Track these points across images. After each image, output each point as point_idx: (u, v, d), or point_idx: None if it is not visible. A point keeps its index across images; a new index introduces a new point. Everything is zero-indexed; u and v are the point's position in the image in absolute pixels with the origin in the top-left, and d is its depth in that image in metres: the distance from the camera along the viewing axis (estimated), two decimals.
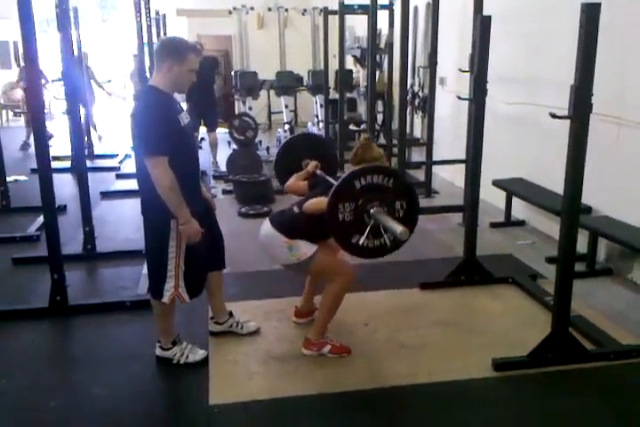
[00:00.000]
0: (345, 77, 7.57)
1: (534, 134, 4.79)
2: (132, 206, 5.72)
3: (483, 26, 3.20)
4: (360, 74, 8.89)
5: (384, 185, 2.47)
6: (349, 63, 9.64)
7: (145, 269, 3.83)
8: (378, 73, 8.11)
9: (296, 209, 2.82)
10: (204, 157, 7.66)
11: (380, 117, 8.02)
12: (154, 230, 2.61)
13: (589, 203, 4.08)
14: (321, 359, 2.79)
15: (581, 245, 4.13)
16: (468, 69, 4.68)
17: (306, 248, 2.73)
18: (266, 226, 2.83)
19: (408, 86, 7.27)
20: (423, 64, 6.88)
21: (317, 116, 8.27)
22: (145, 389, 2.66)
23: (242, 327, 3.06)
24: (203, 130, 7.25)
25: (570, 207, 2.60)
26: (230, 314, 3.07)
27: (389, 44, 6.55)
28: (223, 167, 7.14)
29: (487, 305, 3.40)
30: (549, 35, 4.44)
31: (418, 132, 7.46)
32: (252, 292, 3.61)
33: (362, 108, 8.71)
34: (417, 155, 7.16)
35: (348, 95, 8.40)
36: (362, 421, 2.39)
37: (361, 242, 2.47)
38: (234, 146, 8.46)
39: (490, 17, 3.24)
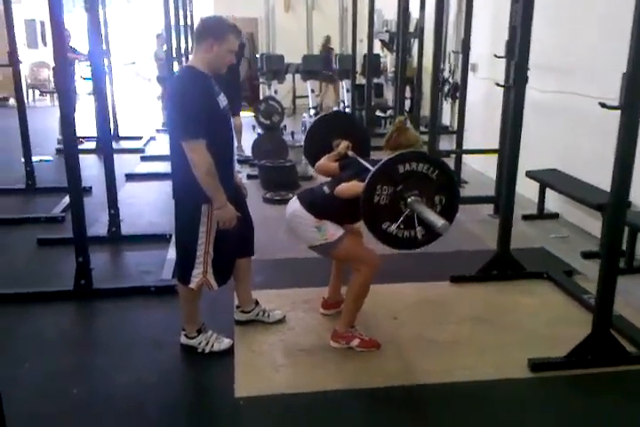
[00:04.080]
0: (373, 62, 7.42)
1: (570, 124, 4.61)
2: (157, 189, 5.71)
3: (525, 9, 3.04)
4: (388, 59, 8.70)
5: (428, 175, 2.36)
6: (377, 48, 9.46)
7: (170, 254, 3.81)
8: (407, 58, 7.94)
9: (326, 189, 2.71)
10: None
11: (407, 103, 7.85)
12: (184, 215, 2.56)
13: (629, 197, 3.92)
14: (349, 353, 2.71)
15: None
16: (503, 55, 4.54)
17: (334, 229, 2.63)
18: (294, 204, 2.73)
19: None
20: (454, 49, 6.69)
21: (344, 102, 8.12)
22: (169, 377, 2.60)
23: (268, 316, 3.00)
24: None
25: (616, 202, 2.47)
26: (256, 303, 3.00)
27: (420, 28, 6.35)
28: (248, 152, 7.07)
29: (520, 301, 3.28)
30: (586, 21, 4.25)
31: (446, 119, 7.29)
32: (278, 280, 3.54)
33: (389, 94, 8.54)
34: (445, 143, 6.99)
35: (375, 80, 8.23)
36: (392, 419, 2.30)
37: (391, 229, 2.37)
38: (258, 130, 8.39)
39: (533, 1, 3.08)
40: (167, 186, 5.74)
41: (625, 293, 3.32)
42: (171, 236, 4.16)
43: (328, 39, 9.23)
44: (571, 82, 4.54)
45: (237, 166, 6.62)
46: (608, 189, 4.08)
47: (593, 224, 4.36)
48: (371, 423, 2.29)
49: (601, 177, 4.23)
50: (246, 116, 7.58)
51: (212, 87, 2.44)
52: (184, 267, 2.61)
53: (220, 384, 2.51)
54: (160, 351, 2.77)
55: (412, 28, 7.92)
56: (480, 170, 6.22)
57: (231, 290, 3.00)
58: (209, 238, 2.51)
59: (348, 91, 7.93)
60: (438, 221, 2.20)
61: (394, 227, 2.37)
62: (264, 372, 2.57)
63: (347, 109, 8.04)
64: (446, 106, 7.16)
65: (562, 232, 4.51)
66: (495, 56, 4.44)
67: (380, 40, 8.65)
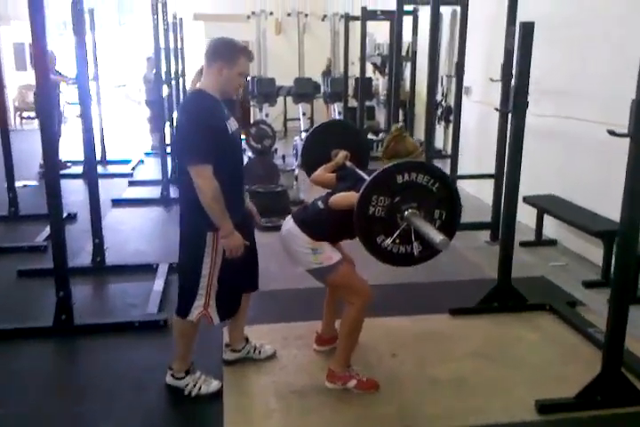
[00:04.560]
0: (365, 85, 7.37)
1: (567, 149, 4.54)
2: (144, 215, 5.56)
3: (525, 32, 2.97)
4: (380, 82, 8.67)
5: (428, 187, 2.21)
6: (369, 71, 9.44)
7: (157, 286, 3.65)
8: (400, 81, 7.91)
9: (320, 204, 2.57)
10: None
11: None
12: (188, 243, 2.45)
13: None
14: (346, 395, 2.55)
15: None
16: (498, 79, 4.48)
17: (330, 253, 2.50)
18: (289, 223, 2.59)
19: None
20: (447, 73, 6.65)
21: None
22: (154, 423, 2.43)
23: (260, 352, 2.85)
24: None
25: (626, 233, 2.33)
26: (247, 340, 2.85)
27: (413, 52, 6.31)
28: None
29: (524, 336, 3.14)
30: (584, 44, 4.20)
31: (439, 142, 7.21)
32: (269, 314, 3.38)
33: (381, 117, 8.49)
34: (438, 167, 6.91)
35: (367, 103, 8.17)
36: None
37: (386, 244, 2.22)
38: (249, 153, 8.29)
39: (533, 23, 3.01)
40: (155, 212, 5.70)
41: (631, 326, 3.20)
42: (158, 265, 4.01)
43: (330, 62, 9.20)
44: (568, 106, 4.47)
45: None
46: (608, 216, 4.06)
47: (593, 251, 4.25)
48: None
49: (600, 203, 4.15)
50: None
51: (221, 111, 2.35)
52: (184, 298, 2.47)
53: None
54: (145, 394, 2.59)
55: (404, 52, 7.94)
56: (475, 194, 6.12)
57: (219, 327, 2.84)
58: (213, 269, 2.39)
59: (339, 113, 7.87)
60: (437, 236, 2.04)
61: (389, 241, 2.21)
62: (255, 418, 2.41)
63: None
64: (439, 129, 7.09)
65: (561, 260, 4.39)
66: (491, 80, 4.37)
67: (372, 63, 8.63)
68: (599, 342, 2.97)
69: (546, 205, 4.45)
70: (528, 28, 2.98)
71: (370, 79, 8.36)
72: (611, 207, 4.05)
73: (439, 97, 6.92)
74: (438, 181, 2.23)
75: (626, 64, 3.80)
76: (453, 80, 5.73)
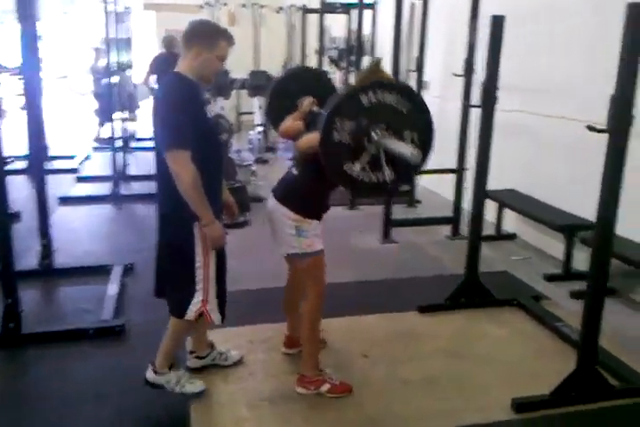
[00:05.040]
0: None
1: (530, 144, 4.55)
2: (94, 214, 5.29)
3: (495, 26, 2.92)
4: (337, 75, 8.57)
5: (397, 108, 2.07)
6: (325, 64, 9.34)
7: (112, 289, 3.44)
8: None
9: (294, 170, 2.46)
10: None
11: None
12: (175, 235, 2.29)
13: (591, 218, 3.85)
14: (319, 400, 2.45)
15: (579, 262, 3.93)
16: (461, 74, 4.45)
17: (313, 239, 2.39)
18: (271, 201, 2.48)
19: None
20: (406, 67, 6.60)
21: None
22: None
23: (226, 358, 2.72)
24: None
25: (602, 232, 2.32)
26: (212, 346, 2.71)
27: (371, 45, 6.24)
28: None
29: (493, 332, 3.11)
30: (548, 39, 4.21)
31: None
32: (233, 316, 3.20)
33: None
34: None
35: None
36: None
37: (355, 170, 2.09)
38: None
39: (503, 17, 2.96)
40: (106, 210, 5.43)
41: None
42: (111, 267, 3.79)
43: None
44: (532, 102, 4.48)
45: None
46: (570, 211, 4.10)
47: (552, 245, 4.29)
48: None
49: (561, 199, 4.18)
50: None
51: (199, 94, 2.23)
52: (179, 296, 2.32)
53: None
54: (103, 407, 2.42)
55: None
56: (433, 189, 6.10)
57: None
58: (207, 260, 2.26)
59: (260, 107, 7.74)
60: (408, 149, 1.95)
61: (357, 167, 2.08)
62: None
63: (258, 128, 7.85)
64: None
65: (521, 254, 4.41)
66: (454, 75, 4.33)
67: (329, 57, 8.52)
68: (567, 336, 2.98)
69: (507, 200, 4.46)
70: (498, 22, 2.93)
71: (327, 73, 8.26)
72: (572, 203, 4.11)
73: None
74: (408, 101, 2.09)
75: (591, 60, 3.84)
76: (412, 75, 5.67)
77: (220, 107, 7.42)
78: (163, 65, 6.53)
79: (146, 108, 9.53)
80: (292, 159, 2.53)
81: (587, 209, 3.94)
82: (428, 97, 5.87)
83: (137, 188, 6.03)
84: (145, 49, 9.89)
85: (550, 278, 3.87)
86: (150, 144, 8.49)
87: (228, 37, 2.22)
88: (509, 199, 4.45)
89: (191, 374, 2.51)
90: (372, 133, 2.05)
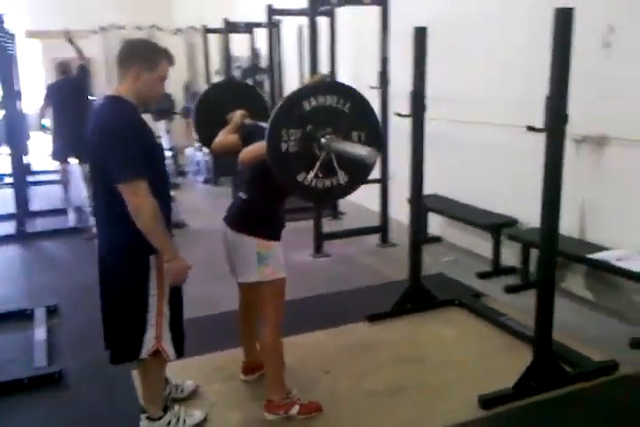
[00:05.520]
0: None
1: (447, 150, 4.72)
2: (3, 255, 4.85)
3: (419, 38, 3.01)
4: None
5: (338, 108, 2.01)
6: None
7: (38, 335, 3.15)
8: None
9: (243, 195, 2.37)
10: (77, 191, 6.85)
11: None
12: (124, 272, 2.11)
13: (514, 215, 4.06)
14: (290, 424, 2.36)
15: (507, 257, 4.11)
16: (376, 86, 4.56)
17: (275, 268, 2.30)
18: (227, 231, 2.36)
19: None
20: None
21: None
22: None
23: (182, 391, 2.58)
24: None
25: (548, 226, 2.41)
26: (166, 380, 2.54)
27: (277, 63, 6.26)
28: None
29: (443, 334, 3.16)
30: (461, 50, 4.40)
31: None
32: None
33: None
34: None
35: None
36: None
37: (309, 180, 2.02)
38: None
39: (425, 28, 3.06)
40: (12, 250, 5.01)
41: (531, 308, 3.36)
42: (32, 311, 3.49)
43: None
44: (445, 109, 4.65)
45: (92, 219, 5.92)
46: (491, 210, 4.28)
47: (477, 244, 4.46)
48: None
49: (484, 200, 4.36)
50: None
51: (142, 118, 2.08)
52: (129, 336, 2.14)
53: None
54: None
55: (262, 64, 7.88)
56: (355, 200, 6.17)
57: (127, 371, 2.56)
58: (162, 295, 2.10)
59: None
60: (362, 150, 1.90)
61: (311, 176, 2.01)
62: None
63: (204, 148, 7.69)
64: None
65: (449, 255, 4.55)
66: (370, 87, 4.42)
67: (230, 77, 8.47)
68: (512, 329, 3.10)
69: (431, 204, 4.58)
70: (421, 33, 3.01)
71: None
72: (493, 202, 4.30)
73: None
74: (348, 100, 2.03)
75: (504, 68, 4.06)
76: None
77: (164, 130, 7.16)
78: (60, 93, 6.18)
79: (36, 139, 9.03)
80: (236, 184, 2.44)
81: (508, 207, 4.17)
82: None
83: (43, 224, 5.64)
84: (31, 80, 9.36)
85: (482, 276, 4.01)
86: (47, 177, 8.07)
87: (168, 57, 2.11)
88: (434, 204, 4.58)
89: (186, 408, 2.38)
90: (321, 139, 2.00)
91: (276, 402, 2.38)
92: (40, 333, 3.18)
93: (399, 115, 3.23)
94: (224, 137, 2.55)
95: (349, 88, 2.07)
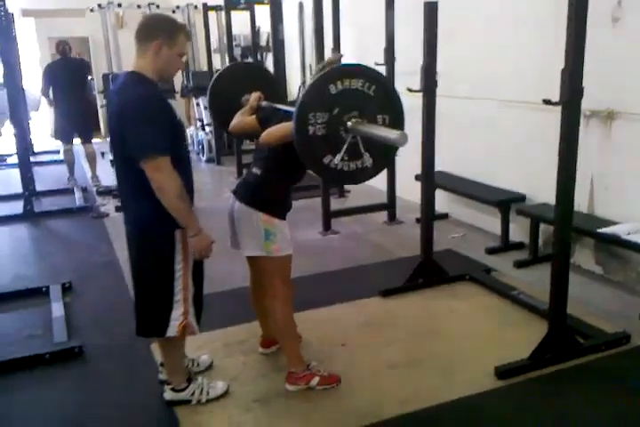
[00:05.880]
0: None
1: (450, 126, 4.71)
2: (10, 235, 4.86)
3: (430, 13, 2.99)
4: None
5: (365, 92, 2.03)
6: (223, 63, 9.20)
7: (57, 311, 3.18)
8: None
9: (256, 170, 2.37)
10: (80, 171, 6.84)
11: None
12: (151, 247, 2.14)
13: (521, 191, 4.08)
14: (311, 394, 2.41)
15: (515, 233, 4.14)
16: (382, 63, 4.54)
17: (281, 244, 2.31)
18: (235, 204, 2.36)
19: (299, 83, 7.05)
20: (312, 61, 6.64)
21: (202, 120, 7.72)
22: None
23: (198, 364, 2.62)
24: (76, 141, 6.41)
25: (563, 201, 2.44)
26: None
27: (280, 42, 6.19)
28: (105, 181, 6.40)
29: (456, 307, 3.20)
30: (463, 25, 4.37)
31: None
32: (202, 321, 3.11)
33: None
34: None
35: None
36: None
37: (336, 162, 2.03)
38: (109, 157, 7.67)
39: (436, 3, 3.03)
40: (21, 230, 5.01)
41: (541, 283, 3.40)
42: (48, 288, 3.51)
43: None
44: (445, 85, 4.64)
45: (98, 199, 5.94)
46: (497, 186, 4.30)
47: (484, 220, 4.50)
48: None
49: (490, 176, 4.38)
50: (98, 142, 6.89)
51: (164, 97, 2.09)
52: (157, 313, 2.17)
53: None
54: None
55: (263, 42, 7.82)
56: None
57: (146, 345, 2.60)
58: (187, 269, 2.14)
59: (205, 108, 7.55)
60: (391, 133, 1.91)
61: (338, 159, 2.03)
62: None
63: (206, 128, 7.66)
64: None
65: (457, 231, 4.58)
66: (375, 64, 4.40)
67: (229, 55, 8.39)
68: (524, 302, 3.14)
69: (439, 181, 4.57)
70: (432, 8, 2.99)
71: None
72: (498, 178, 4.32)
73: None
74: (374, 83, 2.05)
75: (502, 45, 4.04)
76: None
77: None
78: (61, 73, 6.14)
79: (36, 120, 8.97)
80: (254, 159, 2.45)
81: (515, 184, 4.19)
82: None
83: (49, 204, 5.64)
84: (27, 59, 9.24)
85: (491, 251, 4.05)
86: (48, 157, 8.04)
87: (186, 33, 2.11)
88: (441, 181, 4.58)
89: (209, 379, 2.43)
90: (348, 122, 2.01)
91: (296, 374, 2.42)
92: (57, 309, 3.21)
93: (410, 90, 3.23)
94: (241, 119, 2.56)
95: (374, 71, 2.07)
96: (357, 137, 2.02)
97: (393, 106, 2.11)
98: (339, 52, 4.61)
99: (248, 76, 2.86)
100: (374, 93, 2.05)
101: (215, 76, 2.89)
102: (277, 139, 2.18)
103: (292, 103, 2.51)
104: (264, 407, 2.33)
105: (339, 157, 2.01)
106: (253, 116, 2.52)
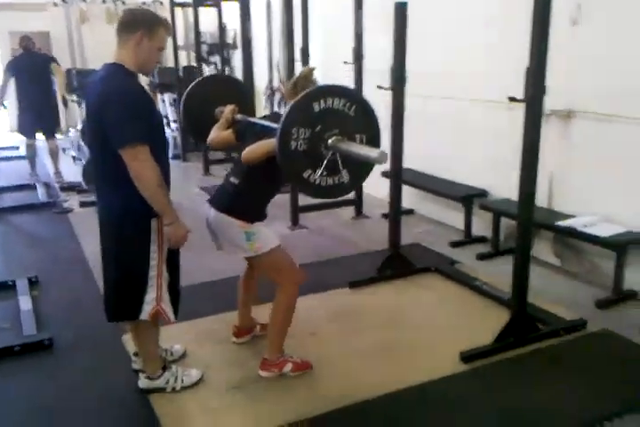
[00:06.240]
0: (193, 74, 7.17)
1: (415, 124, 4.83)
2: None
3: (400, 13, 3.08)
4: (207, 71, 8.44)
5: (345, 111, 2.11)
6: (189, 60, 9.17)
7: (24, 305, 3.15)
8: (228, 69, 7.79)
9: (234, 180, 2.42)
10: (42, 167, 6.73)
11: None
12: (127, 235, 2.16)
13: (484, 187, 4.23)
14: (284, 381, 2.47)
15: (477, 228, 4.29)
16: (350, 62, 4.62)
17: (266, 240, 2.38)
18: (211, 212, 2.41)
19: (267, 82, 7.09)
20: (283, 60, 6.69)
21: (167, 117, 7.67)
22: None
23: (171, 353, 2.66)
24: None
25: (526, 198, 2.57)
26: None
27: (248, 40, 6.22)
28: (69, 177, 6.32)
29: (422, 297, 3.31)
30: (431, 25, 4.48)
31: None
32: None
33: None
34: None
35: None
36: None
37: (315, 177, 2.11)
38: (72, 153, 7.56)
39: (406, 3, 3.13)
40: None
41: (502, 274, 3.53)
42: (14, 282, 3.48)
43: None
44: (411, 84, 4.76)
45: (62, 195, 5.86)
46: (460, 181, 4.44)
47: (448, 216, 4.63)
48: None
49: (453, 173, 4.52)
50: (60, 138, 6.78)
51: (144, 88, 2.13)
52: (130, 296, 2.20)
53: None
54: (62, 425, 2.24)
55: (230, 39, 7.82)
56: None
57: (117, 336, 2.63)
58: (161, 257, 2.18)
59: (171, 104, 7.52)
60: (372, 152, 2.00)
61: (318, 174, 2.11)
62: (199, 422, 2.22)
63: (172, 124, 7.62)
64: None
65: (422, 226, 4.70)
66: (345, 62, 4.49)
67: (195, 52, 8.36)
68: (486, 292, 3.27)
69: (405, 178, 4.68)
70: (402, 9, 3.09)
71: (197, 67, 8.11)
72: (465, 176, 4.45)
73: (276, 83, 6.97)
74: (354, 104, 2.13)
75: (469, 45, 4.17)
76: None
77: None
78: (25, 67, 6.05)
79: None
80: (230, 169, 2.51)
81: (477, 180, 4.33)
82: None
83: (12, 199, 5.54)
84: None
85: (455, 245, 4.18)
86: (6, 153, 7.87)
87: (167, 27, 2.14)
88: (407, 177, 4.68)
89: (183, 367, 2.47)
90: (329, 139, 2.09)
91: (270, 360, 2.48)
92: (25, 302, 3.19)
93: (380, 87, 3.32)
94: (219, 133, 2.63)
95: (356, 93, 2.16)
96: (337, 154, 2.11)
97: (371, 126, 2.20)
98: (308, 55, 4.68)
99: (218, 87, 2.91)
100: (354, 113, 2.14)
101: (185, 94, 2.89)
102: (259, 156, 2.25)
103: (264, 117, 2.61)
104: (239, 393, 2.38)
105: (318, 172, 2.10)
106: (230, 131, 2.59)
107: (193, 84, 2.91)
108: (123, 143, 1.98)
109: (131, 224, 2.14)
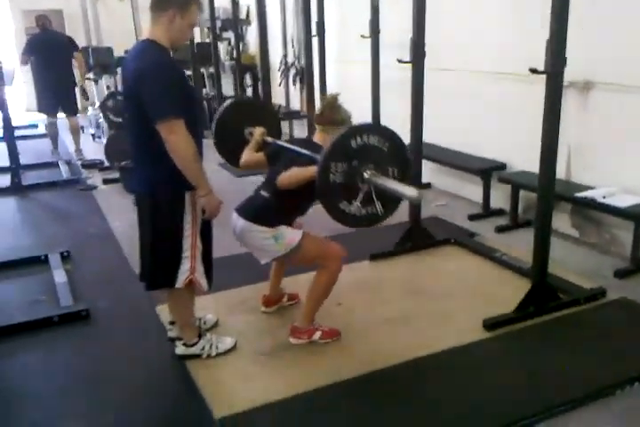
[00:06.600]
0: (207, 51, 7.22)
1: (434, 98, 4.84)
2: (2, 207, 4.87)
3: None
4: (220, 47, 8.43)
5: (380, 147, 2.25)
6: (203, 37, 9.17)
7: (59, 277, 3.27)
8: (241, 45, 7.77)
9: (265, 194, 2.54)
10: (62, 145, 6.83)
11: (249, 91, 7.74)
12: (162, 207, 2.25)
13: (503, 160, 4.26)
14: (314, 348, 2.57)
15: (495, 200, 4.34)
16: (367, 35, 4.62)
17: (291, 235, 2.47)
18: (239, 222, 2.51)
19: (281, 57, 7.08)
20: (297, 35, 6.67)
21: None
22: (133, 418, 2.22)
23: (205, 322, 2.77)
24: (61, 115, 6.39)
25: (546, 168, 2.61)
26: None
27: (263, 13, 6.20)
28: (89, 155, 6.42)
29: (443, 268, 3.39)
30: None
31: (295, 103, 7.29)
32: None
33: (227, 83, 8.28)
34: (298, 129, 7.00)
35: (211, 70, 7.95)
36: (380, 405, 2.21)
37: (351, 209, 2.25)
38: (91, 131, 7.64)
39: None
40: (9, 202, 5.04)
41: (521, 246, 3.59)
42: (47, 257, 3.60)
43: None
44: (430, 57, 4.75)
45: (84, 172, 5.96)
46: (477, 154, 4.47)
47: (465, 189, 4.68)
48: (362, 414, 2.18)
49: (471, 147, 4.55)
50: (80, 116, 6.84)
51: (177, 64, 2.22)
52: (166, 266, 2.31)
53: (193, 411, 2.21)
54: (106, 390, 2.36)
55: (243, 15, 7.79)
56: None
57: (152, 306, 2.75)
58: (195, 229, 2.27)
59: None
60: (409, 190, 2.13)
61: (355, 206, 2.24)
62: (235, 386, 2.34)
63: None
64: (295, 91, 7.15)
65: (440, 200, 4.76)
66: (362, 36, 4.49)
67: (208, 28, 8.32)
68: (507, 263, 3.34)
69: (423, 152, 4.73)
70: None
71: (210, 44, 8.10)
72: (482, 150, 4.48)
73: (290, 58, 6.96)
74: (389, 140, 2.28)
75: (486, 17, 4.15)
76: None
77: (106, 85, 7.09)
78: (44, 46, 6.10)
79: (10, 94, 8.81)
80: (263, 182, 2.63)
81: (495, 153, 4.36)
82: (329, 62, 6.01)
83: (36, 177, 5.65)
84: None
85: (473, 218, 4.24)
86: (27, 132, 7.96)
87: (199, 4, 2.20)
88: (425, 151, 4.73)
89: (217, 335, 2.57)
90: (364, 173, 2.20)
91: (300, 328, 2.58)
92: (60, 275, 3.31)
93: (400, 61, 3.34)
94: (250, 156, 2.76)
95: (391, 131, 2.29)
96: (371, 187, 2.21)
97: (402, 161, 2.32)
98: (324, 29, 4.66)
99: (248, 112, 3.00)
100: (388, 149, 2.26)
101: (220, 112, 2.98)
102: (296, 183, 2.37)
103: (291, 141, 2.75)
104: (271, 360, 2.49)
105: (355, 204, 2.22)
106: (261, 153, 2.72)
107: (222, 110, 2.99)
108: (159, 117, 2.05)
109: (166, 195, 2.23)
